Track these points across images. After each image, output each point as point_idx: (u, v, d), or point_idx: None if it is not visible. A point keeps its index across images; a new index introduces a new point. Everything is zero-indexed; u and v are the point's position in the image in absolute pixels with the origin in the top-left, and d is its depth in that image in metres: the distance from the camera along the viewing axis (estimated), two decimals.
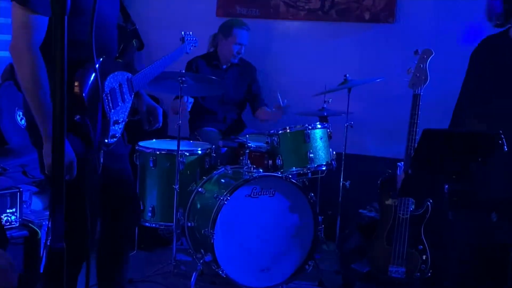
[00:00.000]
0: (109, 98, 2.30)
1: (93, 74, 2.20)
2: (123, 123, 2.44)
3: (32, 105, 2.12)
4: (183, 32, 3.17)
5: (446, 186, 1.48)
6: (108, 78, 2.30)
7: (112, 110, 2.33)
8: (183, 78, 3.52)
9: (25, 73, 2.09)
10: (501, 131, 1.45)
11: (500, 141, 1.45)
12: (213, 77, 3.77)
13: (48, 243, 2.68)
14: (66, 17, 1.11)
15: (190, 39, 3.25)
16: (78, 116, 2.14)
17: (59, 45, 1.10)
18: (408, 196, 1.77)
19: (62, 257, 1.18)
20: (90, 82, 2.19)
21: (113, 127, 2.35)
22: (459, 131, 1.67)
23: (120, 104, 2.39)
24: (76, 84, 2.14)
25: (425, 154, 1.48)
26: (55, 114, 1.14)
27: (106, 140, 2.32)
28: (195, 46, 3.34)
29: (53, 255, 1.24)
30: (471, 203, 1.51)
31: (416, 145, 3.16)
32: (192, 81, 3.60)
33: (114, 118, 2.35)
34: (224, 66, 4.36)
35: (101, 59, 2.27)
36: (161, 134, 4.31)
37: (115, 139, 2.38)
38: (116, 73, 2.36)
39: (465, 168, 1.48)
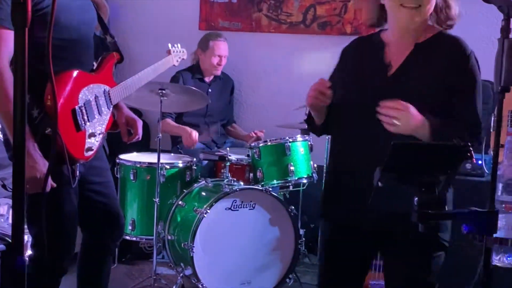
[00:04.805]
0: (83, 110, 2.29)
1: (68, 87, 2.20)
2: (101, 135, 2.42)
3: (4, 121, 2.11)
4: (169, 45, 3.13)
5: (416, 198, 1.48)
6: (82, 91, 2.29)
7: (88, 123, 2.32)
8: (164, 91, 3.46)
9: None
10: (469, 143, 1.46)
11: (468, 153, 1.46)
12: (195, 89, 3.70)
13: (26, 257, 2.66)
14: (27, 29, 1.11)
15: (177, 52, 3.21)
16: (49, 129, 2.13)
17: (20, 58, 1.10)
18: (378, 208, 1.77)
19: (22, 273, 1.16)
20: (61, 94, 2.18)
21: (88, 140, 2.33)
22: (428, 143, 1.67)
23: (96, 116, 2.37)
24: (47, 97, 2.13)
25: (394, 167, 1.48)
26: (16, 126, 1.13)
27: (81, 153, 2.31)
28: (182, 59, 3.30)
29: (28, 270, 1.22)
30: (440, 215, 1.51)
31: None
32: (174, 94, 3.54)
33: (90, 131, 2.34)
34: (208, 79, 4.35)
35: (75, 71, 2.26)
36: (143, 147, 4.28)
37: (91, 152, 2.37)
38: (91, 85, 2.35)
39: (434, 180, 1.48)
